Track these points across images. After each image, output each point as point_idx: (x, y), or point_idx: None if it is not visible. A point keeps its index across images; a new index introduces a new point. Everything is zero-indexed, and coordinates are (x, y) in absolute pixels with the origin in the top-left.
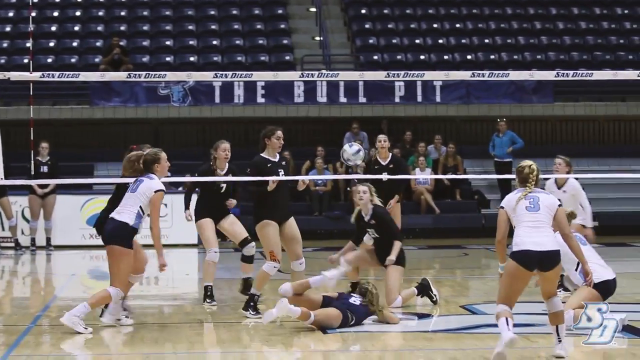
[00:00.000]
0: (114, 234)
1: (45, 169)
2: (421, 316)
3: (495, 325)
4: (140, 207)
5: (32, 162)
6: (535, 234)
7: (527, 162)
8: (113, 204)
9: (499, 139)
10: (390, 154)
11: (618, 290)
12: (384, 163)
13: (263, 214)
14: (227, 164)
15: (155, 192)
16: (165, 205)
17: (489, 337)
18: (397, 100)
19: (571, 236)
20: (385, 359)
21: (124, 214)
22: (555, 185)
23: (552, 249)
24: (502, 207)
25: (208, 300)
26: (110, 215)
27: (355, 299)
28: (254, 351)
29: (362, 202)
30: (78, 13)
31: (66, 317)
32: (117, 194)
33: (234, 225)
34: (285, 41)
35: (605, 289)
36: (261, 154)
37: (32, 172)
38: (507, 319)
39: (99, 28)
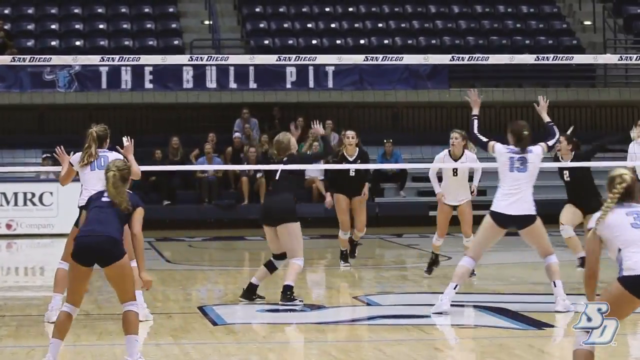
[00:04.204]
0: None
1: None
2: (314, 307)
3: (390, 317)
4: None
5: None
6: None
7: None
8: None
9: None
10: (357, 149)
11: (515, 281)
12: (351, 159)
13: None
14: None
15: None
16: (51, 193)
17: (383, 328)
18: (288, 86)
19: None
20: (278, 351)
21: None
22: (451, 157)
23: None
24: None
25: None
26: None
27: None
28: (141, 343)
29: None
30: None
31: None
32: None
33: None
34: (174, 25)
35: None
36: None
37: None
38: None
39: None
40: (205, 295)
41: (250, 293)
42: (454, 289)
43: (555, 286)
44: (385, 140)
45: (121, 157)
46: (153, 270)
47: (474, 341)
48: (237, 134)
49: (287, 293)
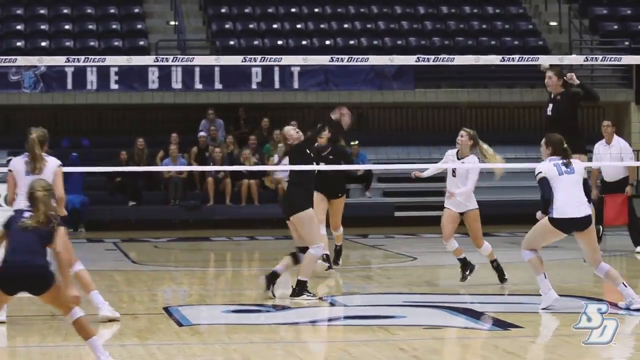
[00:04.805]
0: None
1: None
2: (279, 308)
3: (355, 317)
4: None
5: None
6: None
7: None
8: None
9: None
10: (331, 144)
11: (482, 281)
12: (322, 153)
13: None
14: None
15: None
16: None
17: (348, 329)
18: (254, 86)
19: None
20: (243, 352)
21: None
22: (457, 156)
23: None
24: None
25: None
26: None
27: None
28: (107, 344)
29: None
30: None
31: None
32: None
33: None
34: (139, 26)
35: None
36: None
37: None
38: None
39: None
40: (171, 296)
41: (270, 279)
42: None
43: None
44: (351, 142)
45: (57, 165)
46: (118, 271)
47: (439, 342)
48: (202, 134)
49: (296, 289)
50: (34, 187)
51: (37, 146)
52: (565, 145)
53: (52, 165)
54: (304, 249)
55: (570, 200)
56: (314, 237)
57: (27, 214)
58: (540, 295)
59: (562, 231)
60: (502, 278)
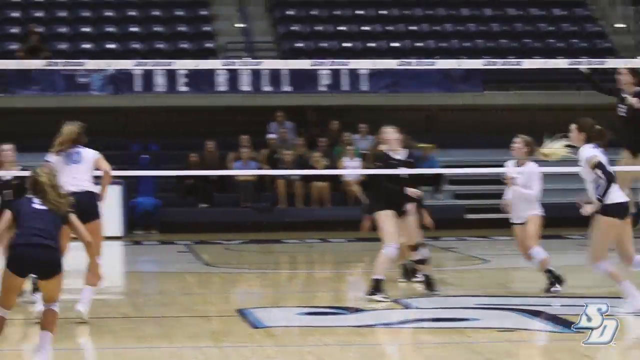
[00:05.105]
0: None
1: None
2: (352, 310)
3: (430, 320)
4: None
5: None
6: None
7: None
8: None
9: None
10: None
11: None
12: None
13: None
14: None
15: None
16: None
17: (422, 331)
18: (322, 88)
19: None
20: (317, 354)
21: None
22: (517, 165)
23: None
24: None
25: (378, 293)
26: None
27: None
28: (180, 346)
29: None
30: None
31: None
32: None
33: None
34: (206, 28)
35: None
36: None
37: None
38: None
39: (16, 14)
40: (244, 298)
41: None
42: None
43: None
44: (422, 144)
45: (96, 154)
46: (191, 273)
47: (513, 344)
48: (272, 136)
49: (370, 287)
50: (37, 173)
51: (69, 137)
52: (598, 126)
53: (90, 156)
54: (413, 247)
55: (617, 187)
56: (385, 237)
57: (37, 200)
58: (620, 298)
59: (618, 217)
60: (559, 281)
